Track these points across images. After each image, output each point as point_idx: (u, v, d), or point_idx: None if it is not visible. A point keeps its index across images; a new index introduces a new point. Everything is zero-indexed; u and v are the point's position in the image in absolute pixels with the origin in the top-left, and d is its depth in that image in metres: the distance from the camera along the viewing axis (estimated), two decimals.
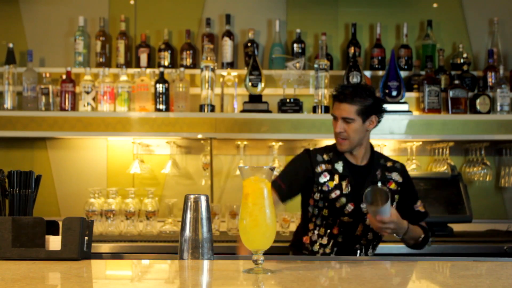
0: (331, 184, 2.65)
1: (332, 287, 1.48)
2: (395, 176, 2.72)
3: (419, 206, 2.75)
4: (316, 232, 2.68)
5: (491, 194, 3.88)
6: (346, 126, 2.62)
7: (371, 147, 2.76)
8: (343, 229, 2.65)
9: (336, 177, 2.66)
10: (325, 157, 2.71)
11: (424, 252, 3.17)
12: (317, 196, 2.66)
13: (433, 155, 3.83)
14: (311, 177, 2.66)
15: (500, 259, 1.85)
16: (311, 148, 2.86)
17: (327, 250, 2.66)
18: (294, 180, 2.68)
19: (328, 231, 2.65)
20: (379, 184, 2.66)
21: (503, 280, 1.47)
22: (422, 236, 2.65)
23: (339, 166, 2.68)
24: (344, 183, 2.65)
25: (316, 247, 2.68)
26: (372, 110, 2.64)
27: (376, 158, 2.74)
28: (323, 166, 2.68)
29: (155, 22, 3.91)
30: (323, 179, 2.66)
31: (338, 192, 2.64)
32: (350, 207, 2.63)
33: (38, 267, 1.61)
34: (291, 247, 2.84)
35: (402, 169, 2.76)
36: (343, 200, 2.64)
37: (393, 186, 2.70)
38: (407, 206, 2.72)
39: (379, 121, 2.70)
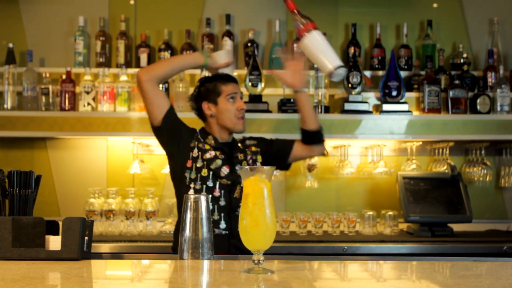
0: (207, 147, 2.76)
1: (332, 287, 1.48)
2: (250, 141, 2.89)
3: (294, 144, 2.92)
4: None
5: (491, 194, 3.88)
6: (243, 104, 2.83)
7: None
8: (223, 190, 2.70)
9: (208, 146, 2.77)
10: (193, 134, 2.82)
11: (424, 252, 3.18)
12: (195, 152, 2.73)
13: (433, 155, 3.83)
14: (191, 138, 2.77)
15: (500, 259, 1.85)
16: None
17: (215, 217, 2.66)
18: (179, 121, 2.80)
19: (210, 196, 2.67)
20: (242, 154, 2.81)
21: (503, 280, 1.47)
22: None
23: (210, 141, 2.78)
24: (217, 152, 2.76)
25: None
26: None
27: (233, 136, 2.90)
28: (194, 143, 2.78)
29: (155, 22, 3.91)
30: (196, 153, 2.75)
31: (213, 153, 2.74)
32: (226, 170, 2.73)
33: (38, 267, 1.61)
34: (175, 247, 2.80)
35: (252, 137, 2.94)
36: (219, 162, 2.74)
37: (253, 148, 2.85)
38: (290, 148, 2.88)
39: None
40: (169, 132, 2.75)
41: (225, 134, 2.81)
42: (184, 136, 2.77)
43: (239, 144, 2.87)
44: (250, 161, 2.82)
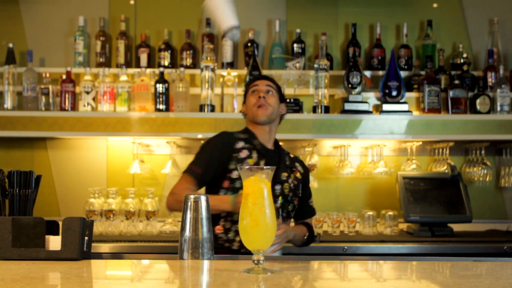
0: (251, 161, 2.63)
1: (332, 287, 1.48)
2: (298, 166, 2.77)
3: (311, 202, 2.82)
4: (229, 218, 2.58)
5: (491, 194, 3.88)
6: (267, 96, 2.69)
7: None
8: None
9: (255, 155, 2.64)
10: (242, 135, 2.70)
11: (424, 252, 3.18)
12: (235, 174, 2.59)
13: (433, 155, 3.83)
14: (229, 155, 2.61)
15: (500, 259, 1.85)
16: None
17: (230, 235, 2.56)
18: (209, 163, 2.62)
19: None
20: (289, 170, 2.69)
21: (503, 280, 1.47)
22: (307, 234, 2.71)
23: (257, 144, 2.66)
24: (262, 163, 2.63)
25: (231, 235, 2.57)
26: (283, 100, 2.78)
27: (278, 145, 2.77)
28: (242, 143, 2.66)
29: (155, 22, 3.91)
30: (242, 155, 2.63)
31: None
32: None
33: (38, 267, 1.61)
34: None
35: (302, 162, 2.82)
36: None
37: (298, 175, 2.73)
38: (303, 200, 2.75)
39: (283, 116, 2.80)
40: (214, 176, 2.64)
41: (263, 131, 2.68)
42: (221, 166, 2.61)
43: (287, 160, 2.72)
44: (292, 185, 2.67)
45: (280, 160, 2.68)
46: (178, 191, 2.59)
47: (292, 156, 2.79)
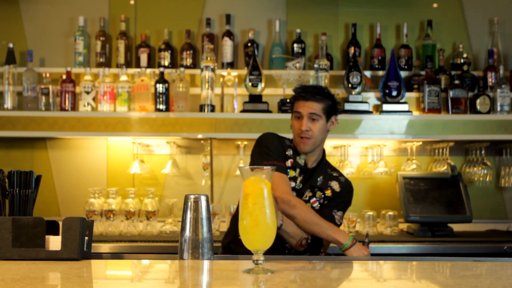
0: (292, 173, 2.60)
1: (332, 287, 1.48)
2: (334, 185, 2.65)
3: (337, 215, 2.62)
4: None
5: (491, 194, 3.88)
6: (311, 125, 2.58)
7: (324, 152, 2.71)
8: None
9: (298, 170, 2.61)
10: (289, 143, 2.65)
11: (424, 252, 3.18)
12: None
13: (433, 155, 3.83)
14: (283, 156, 2.59)
15: (500, 259, 1.85)
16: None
17: None
18: (282, 153, 2.59)
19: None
20: (316, 190, 2.61)
21: (503, 280, 1.47)
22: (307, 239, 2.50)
23: (301, 160, 2.62)
24: (299, 179, 2.61)
25: None
26: (333, 110, 2.64)
27: (323, 165, 2.68)
28: (290, 152, 2.62)
29: (155, 22, 3.91)
30: (288, 164, 2.60)
31: (292, 184, 2.58)
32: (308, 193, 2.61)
33: (38, 267, 1.61)
34: (228, 244, 2.64)
35: (345, 183, 2.68)
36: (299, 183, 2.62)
37: (328, 192, 2.63)
38: (328, 208, 2.62)
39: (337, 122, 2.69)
40: None
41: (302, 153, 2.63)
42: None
43: (319, 181, 2.63)
44: (314, 206, 2.60)
45: (309, 179, 2.62)
46: (289, 199, 2.48)
47: (334, 175, 2.68)
